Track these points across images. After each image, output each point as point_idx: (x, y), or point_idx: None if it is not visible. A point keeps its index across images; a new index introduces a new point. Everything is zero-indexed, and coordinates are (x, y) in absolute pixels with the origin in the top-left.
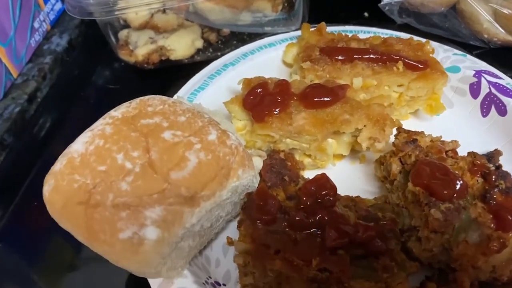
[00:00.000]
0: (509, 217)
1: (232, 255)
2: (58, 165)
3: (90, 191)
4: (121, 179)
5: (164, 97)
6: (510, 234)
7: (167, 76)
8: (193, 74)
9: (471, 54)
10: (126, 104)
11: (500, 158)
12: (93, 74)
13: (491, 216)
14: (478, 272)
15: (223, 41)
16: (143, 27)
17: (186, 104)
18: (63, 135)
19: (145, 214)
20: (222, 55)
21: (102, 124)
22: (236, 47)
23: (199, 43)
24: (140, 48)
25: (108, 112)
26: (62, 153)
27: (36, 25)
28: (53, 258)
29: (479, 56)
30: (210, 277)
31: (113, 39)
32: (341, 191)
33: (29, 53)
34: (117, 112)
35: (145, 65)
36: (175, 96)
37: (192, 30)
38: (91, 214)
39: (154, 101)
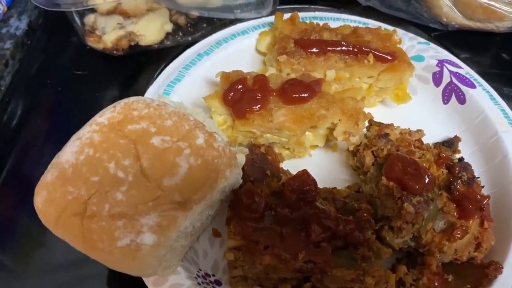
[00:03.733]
0: (470, 206)
1: (218, 246)
2: (49, 176)
3: (85, 202)
4: (116, 189)
5: (148, 100)
6: (471, 222)
7: (137, 62)
8: (164, 60)
9: (430, 35)
10: (111, 108)
11: (459, 143)
12: (58, 59)
13: (454, 205)
14: (443, 256)
15: (192, 24)
16: (111, 12)
17: (170, 106)
18: (34, 125)
19: (141, 221)
20: (192, 39)
21: (89, 132)
22: (206, 30)
23: (169, 27)
24: (108, 34)
25: (94, 118)
26: (51, 163)
27: None
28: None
29: (438, 38)
30: (200, 270)
31: (79, 24)
32: (317, 179)
33: None
34: (103, 118)
35: (114, 52)
36: (153, 95)
37: (161, 13)
38: (88, 224)
39: (138, 104)
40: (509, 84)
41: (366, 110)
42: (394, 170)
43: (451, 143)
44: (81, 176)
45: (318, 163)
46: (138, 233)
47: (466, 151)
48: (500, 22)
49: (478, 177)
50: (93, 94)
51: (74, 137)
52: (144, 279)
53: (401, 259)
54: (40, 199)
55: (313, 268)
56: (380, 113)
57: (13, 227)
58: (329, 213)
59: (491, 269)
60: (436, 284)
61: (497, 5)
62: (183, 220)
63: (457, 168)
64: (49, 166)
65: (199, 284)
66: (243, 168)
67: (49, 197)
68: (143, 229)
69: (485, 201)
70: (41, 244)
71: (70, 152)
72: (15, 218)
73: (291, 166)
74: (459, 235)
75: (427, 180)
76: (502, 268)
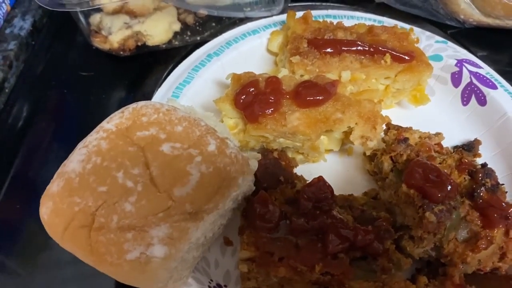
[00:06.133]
0: (495, 215)
1: (229, 255)
2: (55, 187)
3: (93, 214)
4: (124, 200)
5: (157, 104)
6: (495, 231)
7: (144, 62)
8: (172, 60)
9: (446, 33)
10: (118, 114)
11: (480, 146)
12: (63, 60)
13: (478, 214)
14: (466, 266)
15: (200, 23)
16: (117, 12)
17: (180, 110)
18: (40, 128)
19: (151, 233)
20: (201, 39)
21: (97, 139)
22: (215, 29)
23: (177, 26)
24: (115, 34)
25: (101, 124)
26: (57, 172)
27: None
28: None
29: (454, 35)
30: (212, 280)
31: (85, 24)
32: (332, 185)
33: None
34: (110, 124)
35: (121, 52)
36: (162, 98)
37: (168, 12)
38: (96, 237)
39: (147, 109)
40: None
41: (382, 112)
42: (415, 177)
43: (471, 146)
44: (88, 186)
45: (332, 168)
46: (148, 245)
47: (487, 155)
48: None
49: (503, 184)
50: (99, 95)
51: (80, 144)
52: None
53: (421, 269)
54: (46, 210)
55: (330, 281)
56: (396, 115)
57: (19, 230)
58: (346, 222)
59: None
60: None
61: None
62: (195, 231)
63: (480, 175)
64: (55, 176)
65: None
66: (255, 174)
67: (55, 208)
68: (153, 241)
69: (511, 209)
70: (46, 247)
71: (77, 161)
72: (20, 221)
73: (305, 171)
74: (483, 246)
75: (449, 187)
76: None
